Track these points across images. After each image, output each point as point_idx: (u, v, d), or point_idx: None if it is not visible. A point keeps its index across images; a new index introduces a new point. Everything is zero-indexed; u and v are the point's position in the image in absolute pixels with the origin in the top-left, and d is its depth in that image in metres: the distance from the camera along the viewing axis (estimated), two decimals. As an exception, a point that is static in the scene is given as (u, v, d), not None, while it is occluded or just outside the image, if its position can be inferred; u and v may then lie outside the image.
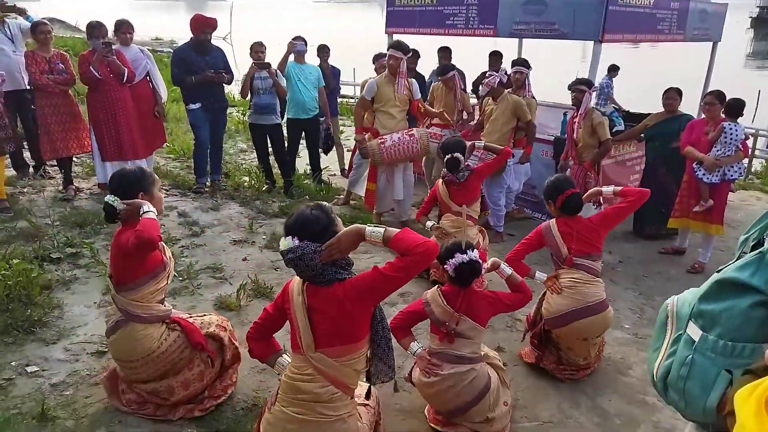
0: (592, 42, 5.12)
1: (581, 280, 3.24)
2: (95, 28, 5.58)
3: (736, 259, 1.60)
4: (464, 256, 2.68)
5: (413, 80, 5.67)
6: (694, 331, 1.58)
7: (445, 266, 2.72)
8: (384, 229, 1.97)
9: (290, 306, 2.12)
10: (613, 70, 9.26)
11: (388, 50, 5.41)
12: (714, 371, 1.49)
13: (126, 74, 5.56)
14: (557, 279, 3.32)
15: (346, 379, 2.10)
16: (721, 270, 1.61)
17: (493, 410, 2.75)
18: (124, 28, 5.84)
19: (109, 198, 2.67)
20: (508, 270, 2.93)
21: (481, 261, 2.75)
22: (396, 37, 6.96)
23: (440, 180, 4.56)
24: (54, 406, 2.93)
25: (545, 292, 3.41)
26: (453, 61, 6.62)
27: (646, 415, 3.13)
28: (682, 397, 1.58)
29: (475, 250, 2.74)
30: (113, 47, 5.48)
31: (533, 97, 5.82)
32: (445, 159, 4.36)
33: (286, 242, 2.06)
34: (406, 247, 1.91)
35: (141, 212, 2.58)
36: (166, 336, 2.81)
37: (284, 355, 2.40)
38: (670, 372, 1.61)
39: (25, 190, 6.17)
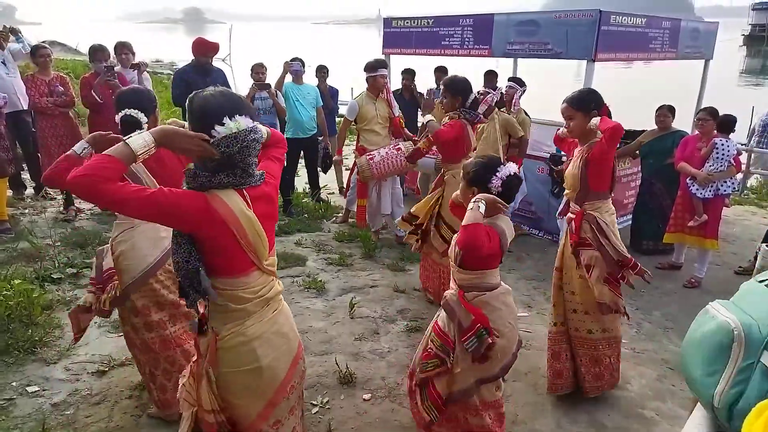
0: (586, 61, 5.21)
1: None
2: (97, 52, 5.69)
3: None
4: (510, 168, 2.44)
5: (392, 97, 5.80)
6: None
7: (489, 185, 2.43)
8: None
9: (230, 228, 1.78)
10: None
11: (376, 71, 5.44)
12: None
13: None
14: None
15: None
16: None
17: None
18: (122, 49, 5.94)
19: (133, 112, 2.66)
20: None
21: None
22: (393, 57, 7.09)
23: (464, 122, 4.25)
24: (55, 426, 2.94)
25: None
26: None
27: (644, 429, 3.14)
28: None
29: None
30: (115, 70, 5.57)
31: (527, 114, 5.92)
32: (473, 100, 4.22)
33: (241, 122, 1.77)
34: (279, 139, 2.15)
35: None
36: None
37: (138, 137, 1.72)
38: (740, 401, 1.50)
39: (27, 211, 6.23)
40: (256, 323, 1.93)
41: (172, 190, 1.73)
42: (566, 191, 3.30)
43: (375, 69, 5.44)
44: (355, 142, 6.10)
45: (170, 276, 2.85)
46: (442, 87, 4.39)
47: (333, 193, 7.62)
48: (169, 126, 1.84)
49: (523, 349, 3.68)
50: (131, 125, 2.65)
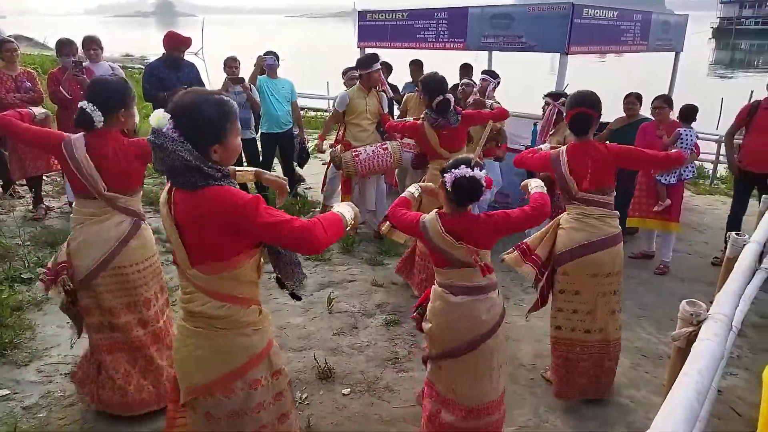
0: (559, 54, 5.26)
1: (593, 214, 3.13)
2: (65, 46, 5.54)
3: None
4: (467, 170, 2.39)
5: (383, 94, 5.75)
6: None
7: (443, 179, 2.45)
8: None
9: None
10: None
11: (371, 67, 5.37)
12: None
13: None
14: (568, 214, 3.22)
15: (233, 291, 1.90)
16: None
17: (502, 358, 2.59)
18: (91, 44, 5.79)
19: (89, 107, 2.58)
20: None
21: (485, 184, 2.44)
22: (368, 50, 7.06)
23: (425, 122, 4.37)
24: (27, 430, 2.88)
25: (555, 229, 3.23)
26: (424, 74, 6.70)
27: (620, 417, 3.20)
28: None
29: (483, 171, 2.44)
30: (84, 65, 5.43)
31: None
32: (436, 102, 4.20)
33: (160, 119, 1.76)
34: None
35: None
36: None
37: None
38: None
39: (-6, 210, 6.06)
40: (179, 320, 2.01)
41: None
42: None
43: (370, 65, 5.36)
44: (334, 137, 6.04)
45: (152, 272, 2.92)
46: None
47: (310, 188, 7.57)
48: None
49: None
50: (83, 121, 2.61)
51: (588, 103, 3.14)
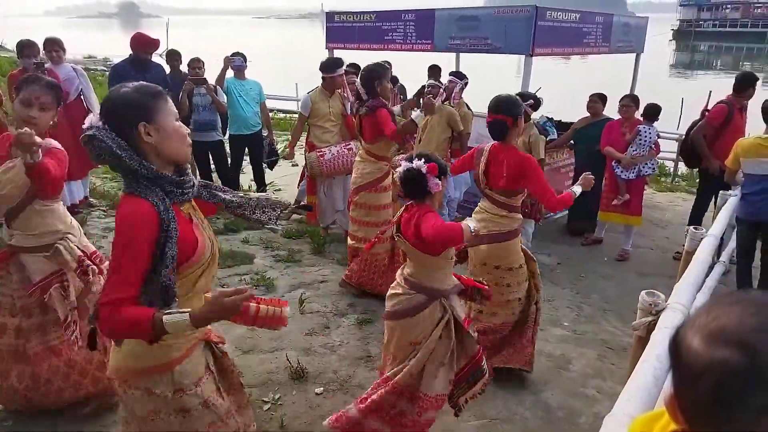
0: (524, 56, 5.36)
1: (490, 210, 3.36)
2: (26, 48, 5.42)
3: None
4: (408, 164, 2.59)
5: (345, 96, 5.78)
6: None
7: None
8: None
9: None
10: None
11: (334, 71, 5.38)
12: None
13: (59, 94, 5.39)
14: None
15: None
16: None
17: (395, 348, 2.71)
18: (53, 46, 5.68)
19: None
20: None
21: (426, 173, 2.53)
22: (337, 52, 7.07)
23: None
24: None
25: None
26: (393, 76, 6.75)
27: (586, 407, 3.29)
28: None
29: (425, 162, 2.54)
30: (45, 66, 5.32)
31: (469, 108, 6.02)
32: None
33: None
34: None
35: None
36: None
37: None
38: None
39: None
40: None
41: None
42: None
43: (333, 69, 5.36)
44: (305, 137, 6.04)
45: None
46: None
47: (280, 189, 7.55)
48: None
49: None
50: None
51: (504, 109, 3.25)
